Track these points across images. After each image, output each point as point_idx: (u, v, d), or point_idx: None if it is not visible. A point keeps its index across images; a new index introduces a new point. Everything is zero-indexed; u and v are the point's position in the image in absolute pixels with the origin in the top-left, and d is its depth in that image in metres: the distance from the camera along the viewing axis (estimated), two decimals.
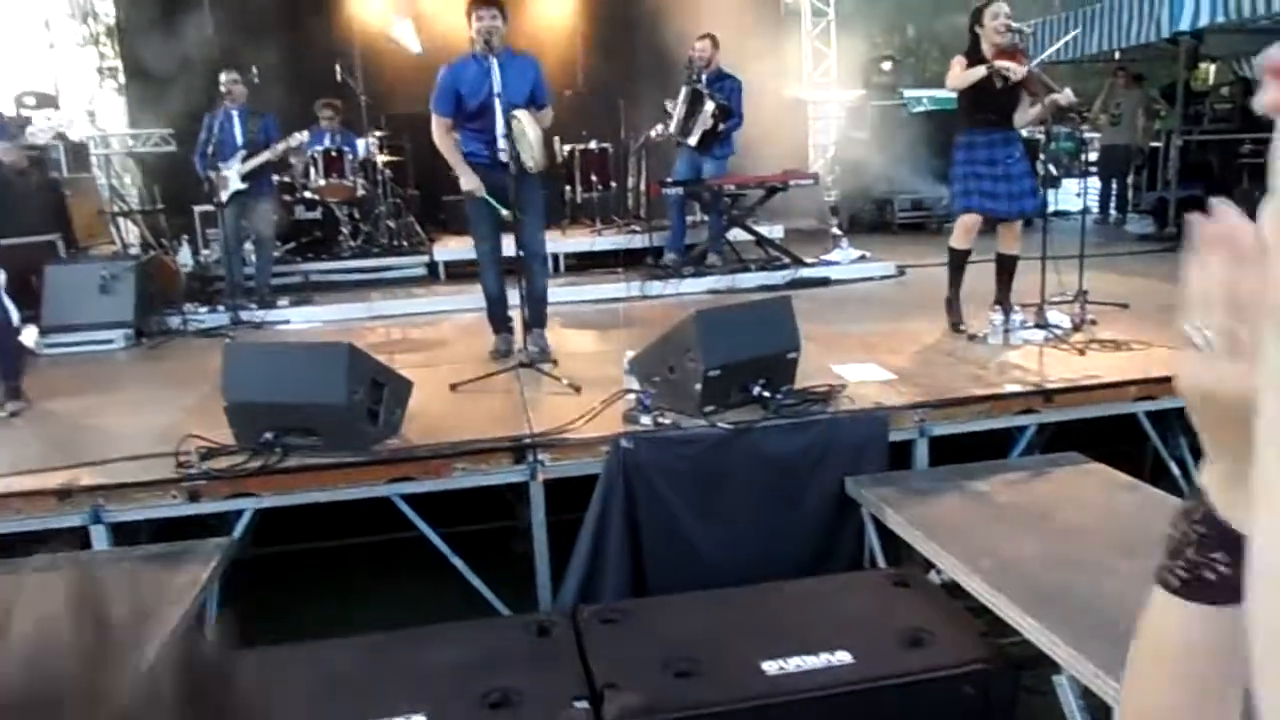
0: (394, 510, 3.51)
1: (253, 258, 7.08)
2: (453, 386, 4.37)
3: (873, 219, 10.86)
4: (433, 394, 4.22)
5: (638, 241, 8.08)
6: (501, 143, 4.56)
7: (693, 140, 7.32)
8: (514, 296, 5.00)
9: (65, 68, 9.46)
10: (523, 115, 4.47)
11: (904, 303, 6.34)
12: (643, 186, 8.78)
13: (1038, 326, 4.88)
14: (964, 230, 5.02)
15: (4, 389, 4.35)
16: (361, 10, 9.20)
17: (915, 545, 3.17)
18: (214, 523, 3.48)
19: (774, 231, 8.23)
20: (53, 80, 9.38)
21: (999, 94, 4.69)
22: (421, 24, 8.99)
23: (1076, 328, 4.96)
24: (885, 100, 10.97)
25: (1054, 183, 10.79)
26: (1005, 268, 5.03)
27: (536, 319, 4.97)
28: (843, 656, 2.55)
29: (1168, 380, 4.08)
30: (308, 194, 8.28)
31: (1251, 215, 0.43)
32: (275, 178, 7.34)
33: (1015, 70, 4.59)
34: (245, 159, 6.59)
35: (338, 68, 8.35)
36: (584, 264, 8.25)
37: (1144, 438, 4.19)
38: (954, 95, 4.98)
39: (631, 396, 3.84)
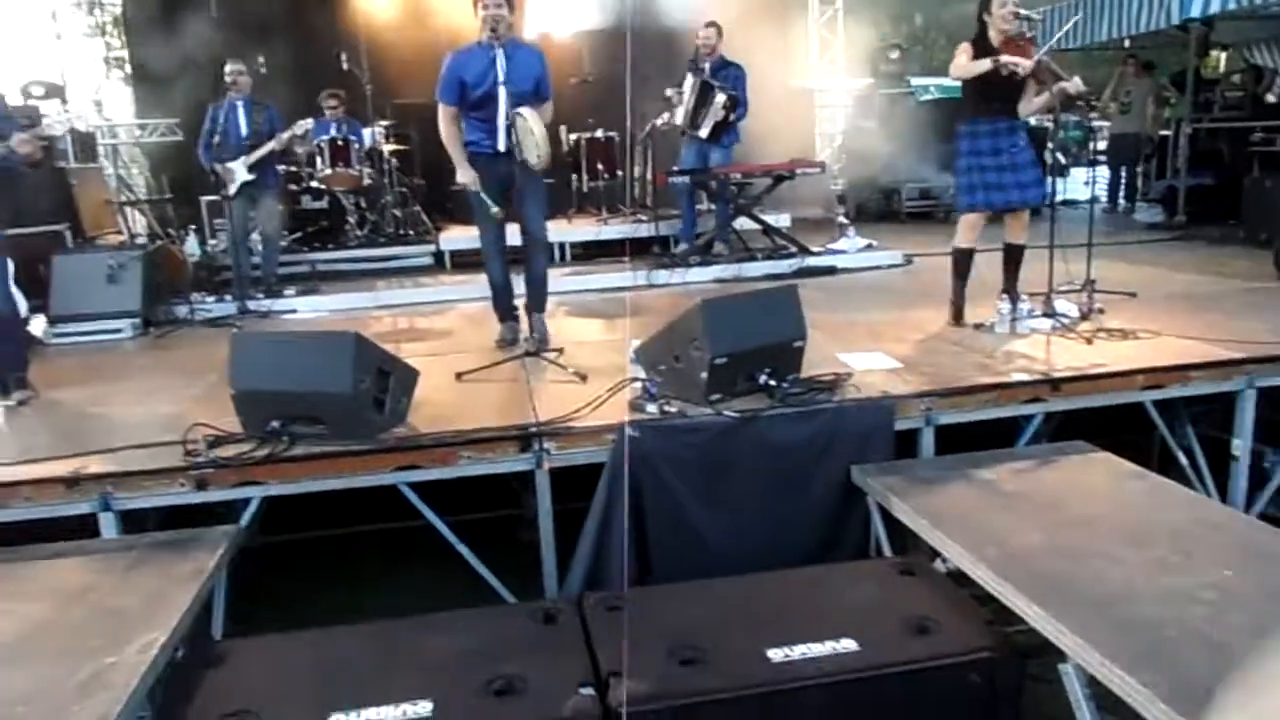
0: (401, 499, 3.52)
1: (259, 248, 7.10)
2: (459, 375, 4.38)
3: (880, 208, 10.86)
4: (439, 383, 4.24)
5: (644, 230, 8.07)
6: (504, 132, 4.55)
7: (704, 133, 7.29)
8: (519, 285, 5.01)
9: (72, 58, 9.46)
10: (527, 113, 4.44)
11: (911, 291, 6.33)
12: (649, 175, 8.76)
13: (1045, 315, 4.87)
14: (968, 228, 4.98)
15: (11, 378, 4.37)
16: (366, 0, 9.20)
17: (921, 534, 3.16)
18: (222, 511, 3.50)
19: (781, 220, 8.22)
20: (59, 71, 9.38)
21: (1004, 83, 4.65)
22: (428, 13, 8.98)
23: (1084, 316, 4.95)
24: (892, 89, 10.95)
25: (1062, 171, 10.75)
26: (1012, 257, 5.00)
27: (537, 302, 4.98)
28: (848, 644, 2.56)
29: (1175, 369, 4.07)
30: (314, 183, 8.29)
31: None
32: (281, 168, 7.35)
33: (1023, 66, 4.55)
34: (250, 150, 6.60)
35: (343, 57, 8.33)
36: (590, 253, 8.25)
37: (1151, 427, 4.19)
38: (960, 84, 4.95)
39: (637, 385, 3.85)
